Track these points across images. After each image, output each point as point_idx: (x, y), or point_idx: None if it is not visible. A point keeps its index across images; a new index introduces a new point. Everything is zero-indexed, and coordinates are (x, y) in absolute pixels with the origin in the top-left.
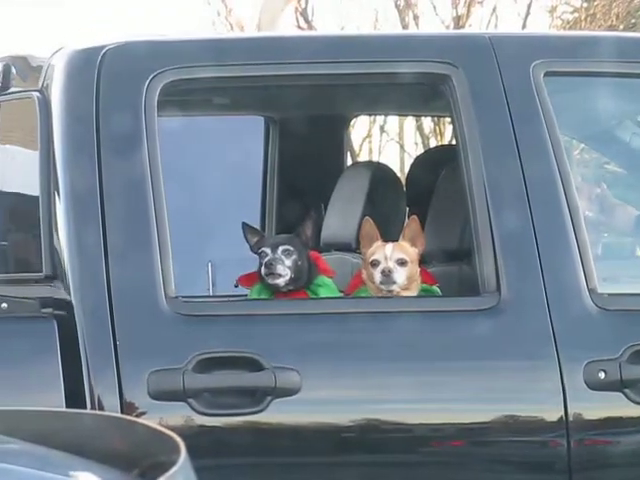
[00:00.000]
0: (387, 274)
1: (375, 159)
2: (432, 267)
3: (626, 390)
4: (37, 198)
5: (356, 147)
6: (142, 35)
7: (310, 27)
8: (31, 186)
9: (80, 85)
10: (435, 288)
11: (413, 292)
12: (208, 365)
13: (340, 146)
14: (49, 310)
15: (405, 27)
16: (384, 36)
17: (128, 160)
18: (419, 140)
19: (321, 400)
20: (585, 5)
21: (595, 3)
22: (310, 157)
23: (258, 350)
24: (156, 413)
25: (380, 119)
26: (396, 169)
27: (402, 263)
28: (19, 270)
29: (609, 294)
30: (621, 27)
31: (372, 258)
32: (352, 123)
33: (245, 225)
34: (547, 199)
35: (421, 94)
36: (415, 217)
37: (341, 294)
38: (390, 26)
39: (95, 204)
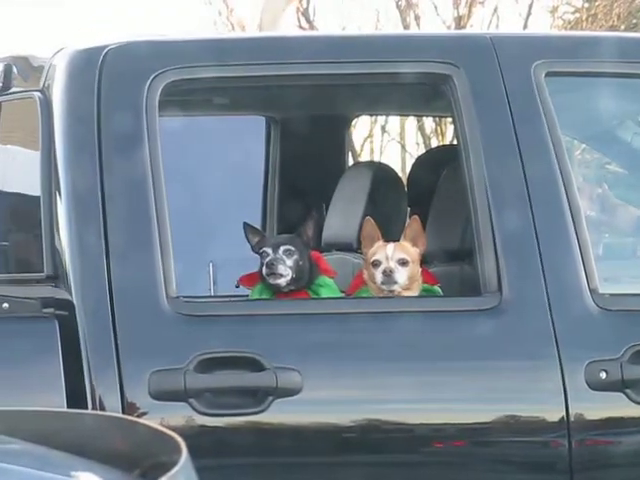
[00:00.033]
0: (388, 274)
1: (376, 159)
2: (433, 267)
3: (627, 390)
4: (38, 198)
5: (357, 147)
6: (143, 35)
7: (311, 27)
8: (32, 186)
9: (81, 85)
10: (436, 288)
11: (414, 292)
12: (209, 365)
13: (341, 146)
14: (50, 310)
15: (406, 27)
16: (385, 36)
17: (129, 160)
18: (420, 140)
19: (322, 400)
20: (586, 5)
21: (596, 3)
22: (311, 157)
23: (259, 350)
24: (157, 413)
25: (381, 119)
26: (397, 169)
27: (403, 263)
28: (20, 270)
29: (610, 294)
30: (622, 27)
31: (373, 258)
32: (353, 123)
33: (246, 225)
34: (548, 199)
35: (422, 94)
36: (416, 217)
37: (342, 294)
38: (391, 26)
39: (96, 204)
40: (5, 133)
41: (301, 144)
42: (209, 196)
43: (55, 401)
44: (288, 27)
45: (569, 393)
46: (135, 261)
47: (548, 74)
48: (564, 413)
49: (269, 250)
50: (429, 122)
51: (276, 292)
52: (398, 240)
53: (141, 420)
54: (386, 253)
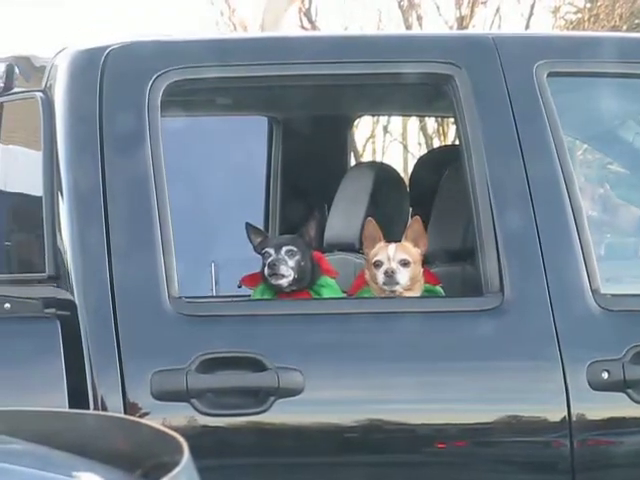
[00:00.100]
0: (390, 275)
1: (378, 159)
2: (435, 267)
3: (629, 390)
4: (40, 198)
5: (359, 147)
6: (145, 35)
7: (314, 27)
8: (34, 186)
9: (83, 85)
10: (438, 288)
11: (416, 292)
12: (211, 365)
13: (343, 146)
14: (52, 310)
15: (408, 27)
16: (387, 36)
17: (131, 160)
18: (422, 140)
19: (324, 400)
20: (588, 6)
21: (598, 4)
22: (313, 157)
23: (261, 350)
24: (159, 413)
25: (383, 119)
26: (399, 169)
27: (405, 264)
28: (22, 270)
29: (612, 294)
30: (624, 28)
31: (375, 259)
32: (355, 123)
33: (248, 225)
34: (550, 199)
35: (424, 94)
36: (418, 218)
37: (344, 294)
38: (393, 26)
39: (98, 204)
40: (7, 133)
41: (303, 144)
42: (211, 196)
43: (57, 401)
44: (290, 27)
45: (571, 393)
46: (137, 261)
47: (550, 74)
48: (566, 413)
49: (271, 250)
50: (431, 122)
51: (278, 292)
52: (400, 240)
53: (143, 420)
54: (388, 254)
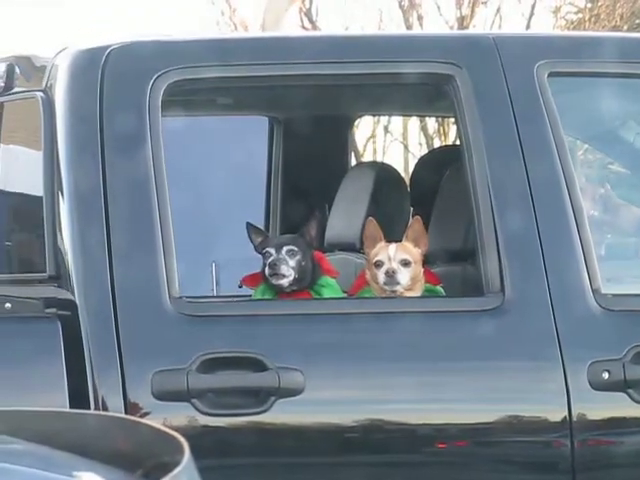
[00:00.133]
0: (391, 275)
1: (379, 159)
2: (436, 267)
3: (630, 390)
4: (41, 198)
5: (360, 147)
6: (146, 35)
7: (314, 27)
8: (35, 186)
9: (84, 85)
10: (439, 288)
11: (417, 292)
12: (212, 365)
13: (344, 146)
14: (53, 310)
15: (409, 27)
16: (388, 36)
17: (132, 160)
18: (423, 140)
19: (325, 400)
20: (589, 6)
21: (599, 4)
22: (314, 157)
23: (262, 350)
24: (160, 413)
25: (384, 119)
26: (400, 169)
27: (406, 264)
28: (23, 270)
29: (613, 294)
30: (625, 28)
31: (376, 259)
32: (356, 123)
33: (249, 225)
34: (551, 199)
35: (425, 94)
36: (418, 218)
37: (345, 294)
38: (394, 26)
39: (99, 204)
40: (8, 133)
41: (304, 144)
42: (212, 196)
43: (58, 401)
44: (291, 27)
45: (572, 393)
46: (138, 261)
47: (551, 74)
48: (566, 413)
49: (272, 250)
50: (432, 122)
51: (279, 292)
52: (400, 240)
53: (144, 420)
54: (388, 254)
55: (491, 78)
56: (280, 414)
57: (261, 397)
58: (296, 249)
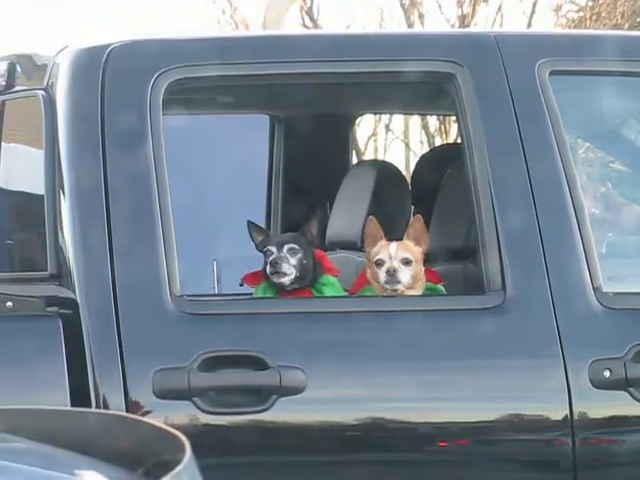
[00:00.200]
0: (392, 273)
1: (380, 158)
2: (437, 265)
3: (631, 389)
4: (42, 196)
5: (361, 146)
6: (147, 34)
7: (315, 26)
8: (36, 184)
9: (85, 84)
10: (440, 287)
11: (418, 291)
12: (213, 364)
13: (345, 145)
14: (54, 309)
15: (410, 26)
16: (389, 35)
17: (133, 159)
18: (424, 139)
19: (326, 399)
20: (590, 4)
21: (600, 2)
22: (315, 156)
23: (263, 349)
24: (161, 412)
25: (385, 118)
26: (401, 168)
27: (407, 262)
28: (24, 269)
29: (614, 293)
30: (626, 26)
31: (377, 257)
32: (357, 122)
33: (250, 223)
34: (552, 198)
35: (426, 93)
36: (419, 216)
37: (346, 293)
38: (395, 25)
39: (100, 202)
40: (9, 131)
41: (305, 143)
42: (213, 194)
43: (59, 399)
44: (292, 26)
45: (573, 392)
46: (139, 259)
47: (552, 73)
48: (568, 412)
49: (273, 249)
50: (433, 121)
51: (280, 291)
52: (401, 239)
53: (145, 419)
54: (389, 252)
55: (492, 76)
56: (281, 412)
57: (262, 395)
58: (297, 247)
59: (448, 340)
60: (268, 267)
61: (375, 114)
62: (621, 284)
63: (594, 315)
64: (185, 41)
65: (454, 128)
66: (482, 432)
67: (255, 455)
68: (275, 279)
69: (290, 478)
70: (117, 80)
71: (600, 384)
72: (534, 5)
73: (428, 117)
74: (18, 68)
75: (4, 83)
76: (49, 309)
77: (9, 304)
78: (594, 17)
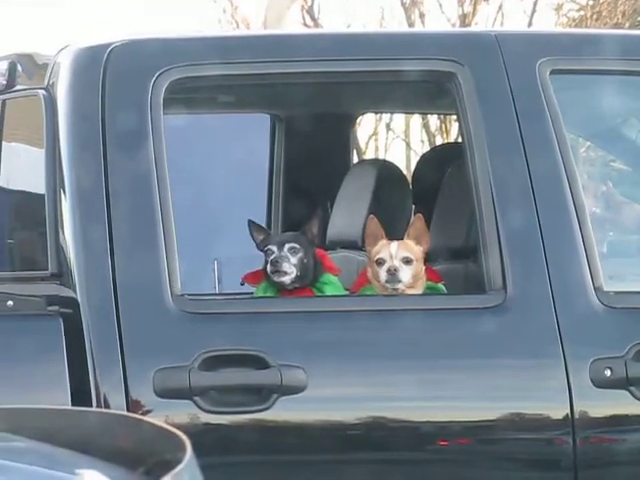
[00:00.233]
0: (392, 273)
1: (381, 157)
2: (438, 265)
3: (632, 388)
4: (43, 196)
5: (362, 145)
6: (148, 33)
7: (316, 25)
8: (37, 184)
9: (86, 83)
10: (440, 286)
11: (418, 290)
12: (214, 363)
13: (346, 144)
14: (55, 308)
15: (411, 25)
16: (390, 34)
17: (134, 158)
18: (425, 138)
19: (327, 398)
20: (591, 3)
21: (601, 1)
22: (316, 155)
23: (264, 348)
24: (162, 411)
25: (386, 117)
26: (402, 167)
27: (407, 261)
28: (25, 268)
29: (615, 292)
30: (627, 25)
31: (377, 257)
32: (358, 121)
33: (251, 223)
34: (553, 197)
35: (427, 92)
36: (420, 215)
37: (347, 292)
38: (396, 24)
39: (101, 202)
40: (10, 131)
41: (306, 142)
42: (214, 194)
43: (60, 399)
44: (293, 25)
45: (574, 391)
46: (140, 259)
47: (553, 72)
48: (568, 411)
49: (274, 248)
50: (434, 120)
51: (281, 290)
52: (402, 238)
53: (146, 418)
54: (390, 251)
55: (493, 75)
56: (282, 412)
57: (263, 395)
58: (298, 247)
59: (449, 339)
60: (269, 266)
61: (376, 113)
62: (622, 283)
63: (595, 314)
64: (186, 40)
65: (455, 127)
66: (483, 431)
67: (256, 454)
68: (276, 278)
69: (291, 477)
70: (118, 79)
71: (601, 383)
72: (535, 4)
73: (429, 116)
74: (19, 67)
75: (5, 82)
76: (50, 308)
77: (10, 303)
78: (595, 16)
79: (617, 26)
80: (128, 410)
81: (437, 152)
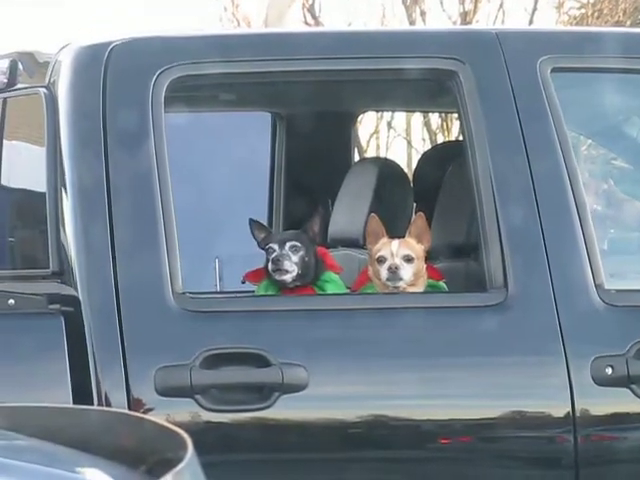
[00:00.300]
0: (393, 271)
1: (382, 155)
2: (439, 263)
3: (633, 386)
4: (44, 194)
5: (363, 143)
6: (149, 31)
7: (317, 23)
8: (38, 182)
9: (87, 81)
10: (442, 284)
11: (419, 288)
12: (215, 361)
13: (347, 142)
14: (56, 306)
15: (412, 23)
16: (391, 32)
17: (135, 156)
18: (426, 136)
19: (328, 396)
20: (592, 1)
21: None
22: (317, 153)
23: (265, 346)
24: (163, 409)
25: (387, 115)
26: (403, 165)
27: (408, 260)
28: (26, 266)
29: (616, 290)
30: (628, 23)
31: (378, 255)
32: (359, 119)
33: (252, 221)
34: (554, 195)
35: (428, 90)
36: (421, 214)
37: (348, 290)
38: (397, 22)
39: (102, 200)
40: (11, 129)
41: (307, 140)
42: (215, 192)
43: (61, 397)
44: (294, 23)
45: (575, 389)
46: (141, 257)
47: (554, 70)
48: (570, 409)
49: (275, 246)
50: (435, 118)
51: (282, 288)
52: (403, 236)
53: (147, 416)
54: (391, 250)
55: (494, 73)
56: (283, 410)
57: (264, 393)
58: (299, 245)
59: (450, 337)
60: (270, 264)
61: (377, 111)
62: (623, 281)
63: (596, 312)
64: (187, 38)
65: (456, 125)
66: (484, 429)
67: (257, 452)
68: (277, 276)
69: (292, 475)
70: (119, 77)
71: (602, 381)
72: (536, 2)
73: (430, 114)
74: (20, 65)
75: (6, 80)
76: (51, 307)
77: (11, 301)
78: (596, 14)
79: (618, 24)
80: (129, 408)
81: (438, 150)
